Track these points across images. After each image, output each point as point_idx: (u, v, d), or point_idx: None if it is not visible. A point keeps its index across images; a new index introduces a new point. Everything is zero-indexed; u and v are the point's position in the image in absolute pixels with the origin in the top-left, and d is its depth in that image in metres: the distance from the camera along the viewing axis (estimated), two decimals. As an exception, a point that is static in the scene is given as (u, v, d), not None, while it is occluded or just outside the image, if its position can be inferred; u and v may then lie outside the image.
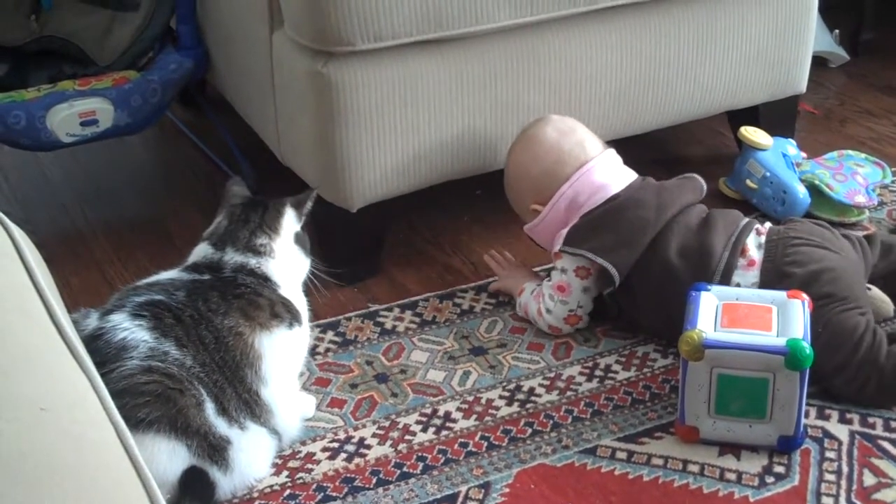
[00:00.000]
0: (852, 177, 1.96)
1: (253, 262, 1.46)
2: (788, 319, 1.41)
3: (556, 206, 1.67)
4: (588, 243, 1.61)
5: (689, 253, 1.58)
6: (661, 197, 1.64)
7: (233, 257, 1.46)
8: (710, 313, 1.43)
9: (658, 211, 1.61)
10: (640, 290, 1.60)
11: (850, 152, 2.06)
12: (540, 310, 1.65)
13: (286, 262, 1.50)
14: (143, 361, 1.28)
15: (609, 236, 1.60)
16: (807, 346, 1.35)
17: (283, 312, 1.43)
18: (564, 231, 1.64)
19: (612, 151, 1.72)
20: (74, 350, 0.81)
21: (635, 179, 1.68)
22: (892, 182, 2.03)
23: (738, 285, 1.53)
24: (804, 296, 1.45)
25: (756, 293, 1.48)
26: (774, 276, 1.53)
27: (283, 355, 1.42)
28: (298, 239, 1.54)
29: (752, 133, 1.99)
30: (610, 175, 1.67)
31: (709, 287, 1.47)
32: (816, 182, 1.93)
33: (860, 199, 1.92)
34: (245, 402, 1.36)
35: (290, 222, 1.53)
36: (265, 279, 1.46)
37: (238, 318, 1.38)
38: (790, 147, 2.01)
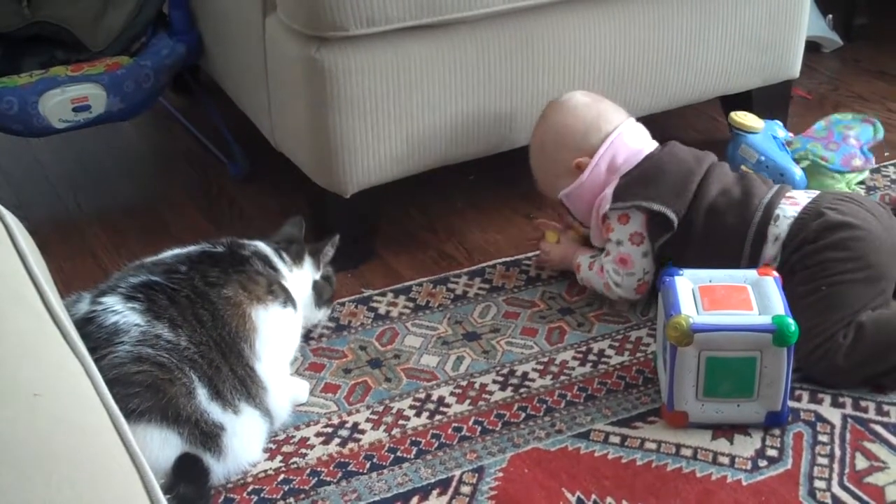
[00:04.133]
0: (844, 142, 1.94)
1: (274, 257, 1.54)
2: (766, 297, 1.43)
3: (597, 167, 1.68)
4: (640, 195, 1.63)
5: (730, 194, 1.62)
6: (693, 152, 1.70)
7: (257, 247, 1.52)
8: (689, 297, 1.43)
9: (697, 161, 1.67)
10: (685, 239, 1.61)
11: (837, 115, 2.04)
12: (608, 284, 1.66)
13: (299, 291, 1.55)
14: (133, 347, 1.28)
15: (659, 186, 1.63)
16: (792, 323, 1.36)
17: (278, 291, 1.45)
18: (609, 191, 1.66)
19: (634, 119, 1.75)
20: (68, 336, 0.81)
21: (658, 145, 1.72)
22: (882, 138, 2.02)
23: (777, 217, 1.56)
24: (774, 272, 1.47)
25: (727, 274, 1.49)
26: (813, 213, 1.55)
27: (275, 331, 1.42)
28: (315, 287, 1.60)
29: (742, 117, 1.99)
30: (640, 140, 1.72)
31: (681, 272, 1.48)
32: (811, 157, 1.92)
33: (857, 162, 1.91)
34: (241, 379, 1.36)
35: (309, 267, 1.60)
36: (274, 269, 1.51)
37: (236, 288, 1.40)
38: (778, 129, 2.01)
